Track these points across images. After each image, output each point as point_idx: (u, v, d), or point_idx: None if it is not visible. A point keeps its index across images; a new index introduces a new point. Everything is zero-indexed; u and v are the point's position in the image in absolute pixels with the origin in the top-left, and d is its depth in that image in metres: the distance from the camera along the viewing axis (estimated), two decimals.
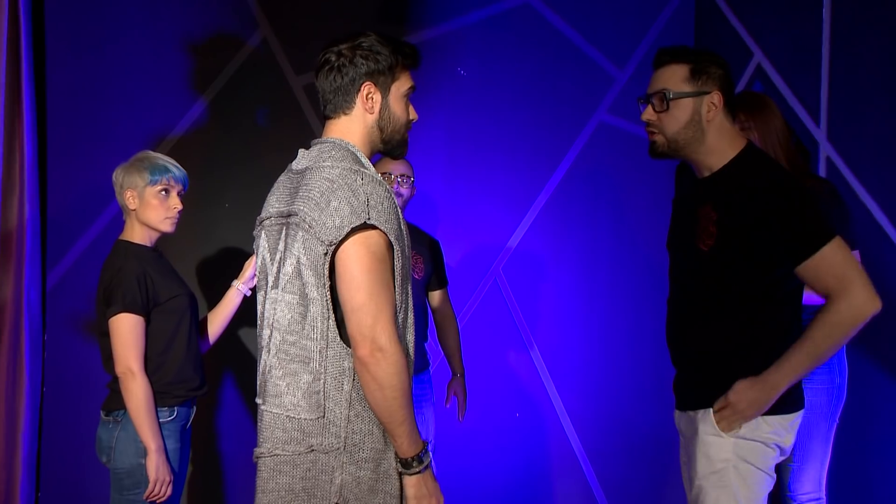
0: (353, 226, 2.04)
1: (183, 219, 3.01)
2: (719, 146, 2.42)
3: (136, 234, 2.93)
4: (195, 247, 4.11)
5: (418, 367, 3.71)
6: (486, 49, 4.44)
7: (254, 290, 3.12)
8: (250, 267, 3.09)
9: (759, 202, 2.32)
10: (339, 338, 2.11)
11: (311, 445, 2.10)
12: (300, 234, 2.11)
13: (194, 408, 2.99)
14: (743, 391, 2.37)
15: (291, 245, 2.14)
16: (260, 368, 2.23)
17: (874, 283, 2.33)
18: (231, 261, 3.87)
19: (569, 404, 4.47)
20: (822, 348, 2.33)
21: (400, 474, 2.12)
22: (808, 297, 2.81)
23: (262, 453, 2.18)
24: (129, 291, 2.80)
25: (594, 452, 4.47)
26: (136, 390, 2.79)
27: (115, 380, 2.86)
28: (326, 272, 2.08)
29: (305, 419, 2.11)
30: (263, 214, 2.28)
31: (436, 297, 3.85)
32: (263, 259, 2.25)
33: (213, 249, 4.15)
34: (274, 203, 2.25)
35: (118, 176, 2.94)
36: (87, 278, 3.61)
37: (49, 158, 3.96)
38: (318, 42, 4.23)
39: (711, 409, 2.41)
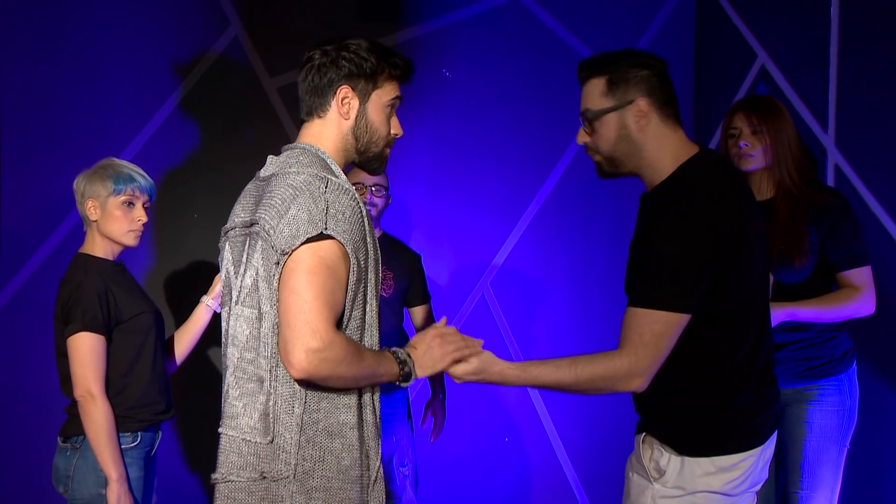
0: (308, 235, 2.02)
1: (149, 230, 2.99)
2: (659, 158, 2.34)
3: (98, 247, 2.91)
4: (162, 260, 4.08)
5: (390, 385, 3.68)
6: (473, 49, 4.45)
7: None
8: (220, 282, 3.06)
9: (650, 219, 2.31)
10: None
11: (263, 472, 2.09)
12: (259, 243, 2.10)
13: (160, 433, 2.97)
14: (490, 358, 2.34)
15: (252, 256, 2.12)
16: (224, 386, 2.22)
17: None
18: (200, 275, 3.84)
19: (561, 428, 4.45)
20: (575, 382, 2.35)
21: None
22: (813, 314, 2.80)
23: (217, 478, 2.17)
24: (90, 309, 2.78)
25: (588, 480, 4.45)
26: (97, 415, 2.77)
27: (73, 403, 2.84)
28: (276, 284, 2.05)
29: (259, 443, 2.10)
30: (228, 225, 2.26)
31: (417, 314, 3.83)
32: (228, 272, 2.23)
33: (181, 263, 4.12)
34: (239, 212, 2.24)
35: (79, 184, 2.91)
36: (43, 294, 3.58)
37: (2, 166, 3.93)
38: (293, 42, 4.28)
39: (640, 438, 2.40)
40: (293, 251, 2.02)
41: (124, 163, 2.96)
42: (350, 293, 2.09)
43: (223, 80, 4.19)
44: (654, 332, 2.22)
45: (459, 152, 4.44)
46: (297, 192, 2.06)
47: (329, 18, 4.30)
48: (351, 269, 2.07)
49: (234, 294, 2.19)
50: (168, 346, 3.05)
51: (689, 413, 2.32)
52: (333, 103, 2.20)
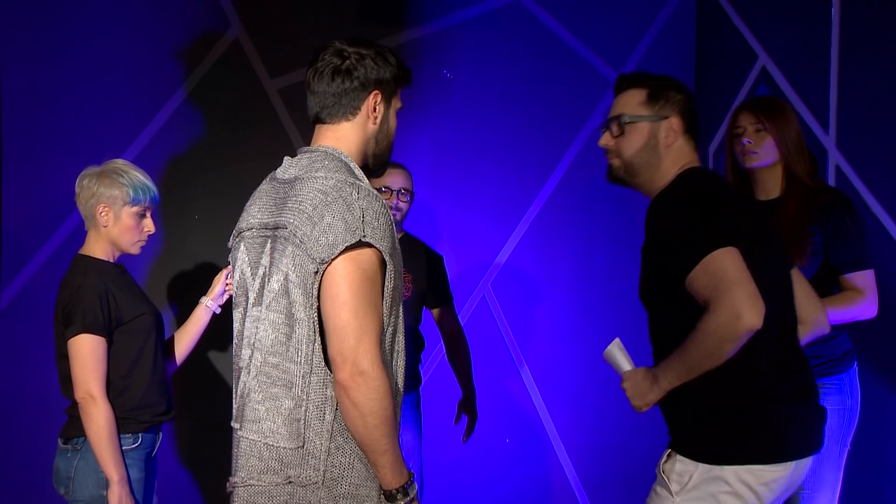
0: (347, 244, 2.03)
1: (149, 236, 2.98)
2: (671, 171, 2.48)
3: (98, 249, 2.91)
4: (163, 261, 4.09)
5: (410, 386, 3.70)
6: (474, 51, 4.45)
7: (224, 307, 3.10)
8: (220, 282, 3.08)
9: (655, 218, 2.39)
10: (323, 363, 2.08)
11: (289, 477, 2.09)
12: (290, 248, 2.09)
13: (160, 434, 2.97)
14: (633, 375, 2.43)
15: (279, 260, 2.11)
16: (238, 390, 2.22)
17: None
18: (201, 276, 3.84)
19: (562, 429, 4.45)
20: (693, 356, 2.26)
21: None
22: (835, 316, 2.79)
23: (236, 483, 2.16)
24: (90, 310, 2.78)
25: (590, 480, 4.45)
26: (97, 416, 2.77)
27: (74, 405, 2.84)
28: (316, 292, 2.05)
29: (284, 448, 2.09)
30: (243, 225, 2.25)
31: (437, 314, 3.83)
32: (242, 273, 2.22)
33: (183, 264, 4.13)
34: (256, 213, 2.22)
35: (91, 185, 2.88)
36: (45, 295, 3.58)
37: (3, 168, 3.93)
38: (294, 44, 4.28)
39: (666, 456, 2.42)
40: (332, 260, 2.03)
41: (135, 168, 2.95)
42: (388, 300, 2.11)
43: (224, 81, 4.20)
44: (725, 269, 2.20)
45: (460, 153, 4.44)
46: (330, 199, 2.06)
47: (330, 20, 4.31)
48: (388, 276, 2.10)
49: (251, 296, 2.19)
50: (168, 346, 3.06)
51: (709, 420, 2.33)
52: (364, 107, 2.21)
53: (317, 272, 2.04)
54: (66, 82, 4.02)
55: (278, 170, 2.27)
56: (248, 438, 2.15)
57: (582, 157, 4.51)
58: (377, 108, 2.22)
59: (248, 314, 2.20)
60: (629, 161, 2.51)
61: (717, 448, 2.31)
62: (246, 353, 2.19)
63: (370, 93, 2.20)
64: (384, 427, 2.04)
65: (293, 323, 2.09)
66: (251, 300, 2.19)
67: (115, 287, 2.86)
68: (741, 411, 2.30)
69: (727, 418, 2.31)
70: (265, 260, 2.16)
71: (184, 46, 4.16)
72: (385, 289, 2.09)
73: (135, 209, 2.89)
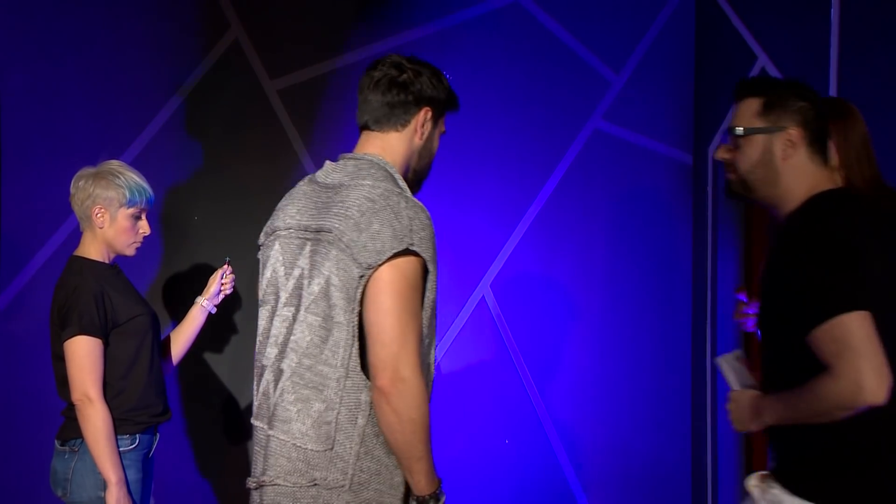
0: (394, 251, 2.06)
1: (145, 237, 2.99)
2: (793, 190, 2.29)
3: (93, 250, 2.91)
4: (162, 262, 4.09)
5: None
6: (473, 51, 4.45)
7: (220, 307, 3.11)
8: (215, 282, 3.09)
9: (785, 251, 2.22)
10: (359, 368, 2.10)
11: (315, 479, 2.10)
12: (333, 252, 2.11)
13: (157, 435, 2.97)
14: (739, 397, 2.32)
15: (321, 263, 2.13)
16: (260, 388, 2.23)
17: None
18: (200, 277, 3.84)
19: (562, 431, 4.45)
20: (804, 410, 2.13)
21: None
22: None
23: (263, 481, 2.16)
24: (86, 312, 2.78)
25: (589, 482, 4.45)
26: (94, 418, 2.77)
27: (70, 407, 2.84)
28: (359, 297, 2.08)
29: (312, 450, 2.11)
30: (279, 224, 2.27)
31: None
32: (275, 272, 2.24)
33: (182, 265, 4.13)
34: (294, 214, 2.24)
35: (86, 186, 2.88)
36: (43, 297, 3.58)
37: (2, 169, 3.93)
38: (294, 44, 4.28)
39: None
40: (378, 266, 2.06)
41: (131, 169, 2.96)
42: (427, 310, 2.15)
43: (224, 82, 4.19)
44: (853, 338, 2.05)
45: (460, 154, 4.43)
46: (378, 206, 2.10)
47: (330, 21, 4.31)
48: (429, 287, 2.14)
49: (283, 295, 2.20)
50: (164, 347, 3.06)
51: (823, 461, 2.18)
52: (413, 121, 2.27)
53: (362, 277, 2.07)
54: (64, 83, 4.02)
55: (318, 173, 2.29)
56: (278, 438, 2.15)
57: (581, 158, 4.51)
58: (426, 124, 2.29)
59: (277, 313, 2.21)
60: (744, 177, 2.32)
61: (826, 494, 2.17)
62: (272, 351, 2.20)
63: (422, 108, 2.27)
64: (421, 433, 2.06)
65: (331, 326, 2.11)
66: (282, 300, 2.20)
67: (111, 288, 2.87)
68: (862, 466, 2.15)
69: (843, 467, 2.16)
70: (303, 262, 2.18)
71: (183, 47, 4.16)
72: (426, 298, 2.13)
73: (131, 211, 2.89)
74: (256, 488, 2.20)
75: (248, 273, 4.00)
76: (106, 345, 2.83)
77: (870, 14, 3.65)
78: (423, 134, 2.29)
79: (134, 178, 2.92)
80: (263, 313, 2.26)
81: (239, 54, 4.21)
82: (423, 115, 2.28)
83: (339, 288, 2.09)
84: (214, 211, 4.16)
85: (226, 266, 3.12)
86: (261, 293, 2.28)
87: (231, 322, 4.15)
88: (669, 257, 4.60)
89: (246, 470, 4.17)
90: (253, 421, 2.25)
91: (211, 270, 3.16)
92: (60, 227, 3.93)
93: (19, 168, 3.95)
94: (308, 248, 2.17)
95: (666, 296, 4.58)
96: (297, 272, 2.18)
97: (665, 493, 4.56)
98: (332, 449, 2.09)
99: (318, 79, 4.29)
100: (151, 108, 4.11)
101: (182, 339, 3.10)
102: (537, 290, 4.48)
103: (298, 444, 2.12)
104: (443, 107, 2.31)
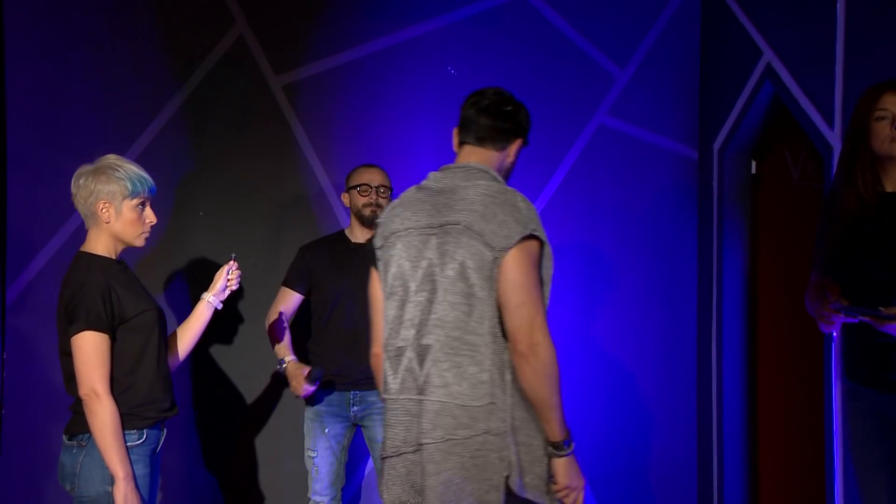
0: (521, 235, 2.48)
1: (154, 228, 3.00)
2: None
3: (100, 246, 2.91)
4: (168, 258, 4.10)
5: None
6: (478, 47, 4.45)
7: (225, 303, 3.12)
8: (221, 278, 3.09)
9: None
10: (500, 333, 2.51)
11: (484, 429, 2.48)
12: (464, 240, 2.52)
13: (164, 430, 2.98)
14: None
15: (453, 251, 2.53)
16: (401, 366, 2.57)
17: None
18: (206, 272, 3.86)
19: (569, 426, 4.46)
20: None
21: (549, 457, 2.52)
22: None
23: (432, 439, 2.49)
24: (93, 308, 2.79)
25: (596, 478, 4.46)
26: (102, 413, 2.78)
27: (78, 402, 2.84)
28: (494, 275, 2.49)
29: (475, 406, 2.48)
30: (398, 227, 2.64)
31: None
32: (400, 267, 2.61)
33: (187, 260, 4.14)
34: (410, 217, 2.63)
35: (88, 183, 2.89)
36: (49, 293, 3.58)
37: (8, 165, 3.94)
38: (299, 40, 4.29)
39: None
40: (508, 249, 2.47)
41: (129, 161, 2.96)
42: (546, 282, 2.56)
43: (228, 77, 4.19)
44: None
45: None
46: (498, 201, 2.53)
47: (334, 16, 4.30)
48: (546, 264, 2.55)
49: (412, 285, 2.58)
50: (170, 343, 3.07)
51: None
52: (510, 146, 2.70)
53: (495, 259, 2.48)
54: (69, 80, 4.02)
55: (426, 182, 2.68)
56: (438, 401, 2.50)
57: (586, 154, 4.52)
58: (516, 150, 2.72)
59: (409, 300, 2.58)
60: None
61: None
62: (408, 332, 2.57)
63: (518, 137, 2.71)
64: (555, 386, 2.49)
65: (473, 302, 2.50)
66: (412, 288, 2.58)
67: (118, 284, 2.87)
68: None
69: None
70: (430, 253, 2.56)
71: (188, 42, 4.16)
72: (544, 273, 2.55)
73: (135, 201, 2.90)
74: (414, 451, 2.52)
75: (254, 269, 4.02)
76: (113, 340, 2.83)
77: (876, 9, 3.66)
78: (511, 157, 2.71)
79: (133, 168, 2.92)
80: (392, 303, 2.62)
81: (244, 50, 4.22)
82: (517, 142, 2.71)
83: (474, 269, 2.50)
84: (220, 206, 4.17)
85: (232, 262, 3.13)
86: (387, 287, 2.64)
87: (237, 318, 4.17)
88: (675, 252, 4.61)
89: (252, 464, 4.20)
90: (394, 395, 2.58)
91: (216, 266, 3.17)
92: (66, 222, 3.94)
93: (25, 163, 3.95)
94: (434, 241, 2.56)
95: (671, 291, 4.59)
96: (424, 263, 2.57)
97: (671, 488, 4.58)
98: (491, 402, 2.48)
99: (323, 74, 4.30)
100: (156, 105, 4.11)
101: (188, 334, 3.10)
102: None
103: (460, 403, 2.48)
104: (524, 144, 2.75)
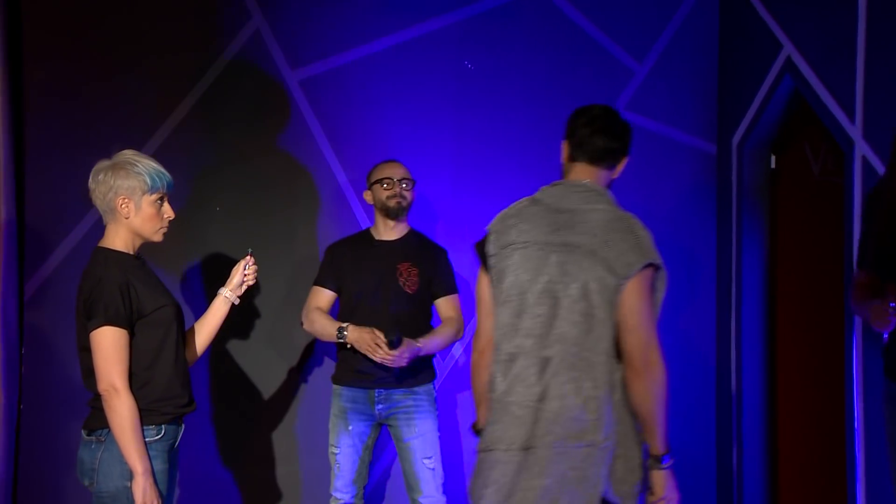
0: (642, 265, 2.63)
1: (171, 223, 3.01)
2: None
3: (119, 241, 2.92)
4: (184, 253, 4.11)
5: (415, 379, 3.75)
6: (496, 41, 4.43)
7: (242, 298, 3.13)
8: (238, 273, 3.09)
9: None
10: (614, 353, 2.65)
11: (591, 441, 2.62)
12: (586, 263, 2.65)
13: (182, 426, 2.98)
14: None
15: (575, 272, 2.66)
16: (512, 371, 2.69)
17: None
18: (222, 268, 3.87)
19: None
20: None
21: (649, 469, 2.68)
22: None
23: (543, 444, 2.63)
24: (112, 303, 2.79)
25: None
26: (121, 408, 2.78)
27: (97, 397, 2.85)
28: (615, 300, 2.63)
29: (586, 419, 2.62)
30: (516, 238, 2.76)
31: (440, 305, 3.88)
32: (517, 277, 2.73)
33: (204, 256, 4.15)
34: (529, 230, 2.75)
35: (107, 179, 2.89)
36: (67, 287, 3.60)
37: (26, 160, 3.96)
38: (315, 34, 4.29)
39: None
40: (631, 277, 2.62)
41: (146, 157, 2.96)
42: (658, 306, 2.71)
43: (245, 73, 4.20)
44: None
45: (481, 145, 4.43)
46: (620, 227, 2.68)
47: (351, 11, 4.30)
48: (659, 288, 2.71)
49: (531, 297, 2.70)
50: (188, 338, 3.08)
51: None
52: (618, 165, 2.84)
53: (617, 286, 2.62)
54: (86, 76, 4.03)
55: (541, 197, 2.81)
56: (552, 411, 2.63)
57: None
58: (622, 168, 2.85)
59: (526, 311, 2.70)
60: None
61: None
62: (526, 342, 2.69)
63: (625, 157, 2.84)
64: (663, 403, 2.65)
65: (592, 322, 2.64)
66: (531, 300, 2.70)
67: (136, 279, 2.88)
68: None
69: None
70: (550, 270, 2.69)
71: (204, 38, 4.17)
72: (657, 297, 2.70)
73: (154, 196, 2.90)
74: (519, 451, 2.65)
75: (270, 264, 4.03)
76: (131, 335, 2.84)
77: None
78: (617, 175, 2.85)
79: (151, 164, 2.93)
80: (507, 310, 2.74)
81: (260, 45, 4.22)
82: (624, 161, 2.85)
83: (597, 292, 2.64)
84: (236, 202, 4.18)
85: (248, 257, 3.13)
86: (502, 294, 2.75)
87: (254, 313, 4.18)
88: (693, 249, 4.59)
89: (270, 460, 4.20)
90: (500, 397, 2.70)
91: (233, 261, 3.17)
92: (85, 216, 3.96)
93: (43, 159, 3.97)
94: (554, 258, 2.69)
95: (689, 288, 4.57)
96: (543, 278, 2.69)
97: (690, 489, 4.55)
98: (600, 418, 2.62)
99: (339, 69, 4.29)
100: (172, 100, 4.12)
101: (205, 330, 3.10)
102: None
103: (573, 416, 2.62)
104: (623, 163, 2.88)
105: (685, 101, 4.55)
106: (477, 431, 2.88)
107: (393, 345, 3.62)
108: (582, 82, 4.48)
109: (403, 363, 3.65)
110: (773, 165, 4.45)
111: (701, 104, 4.58)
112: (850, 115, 3.77)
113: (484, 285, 2.85)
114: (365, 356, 3.67)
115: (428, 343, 3.75)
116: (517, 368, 2.70)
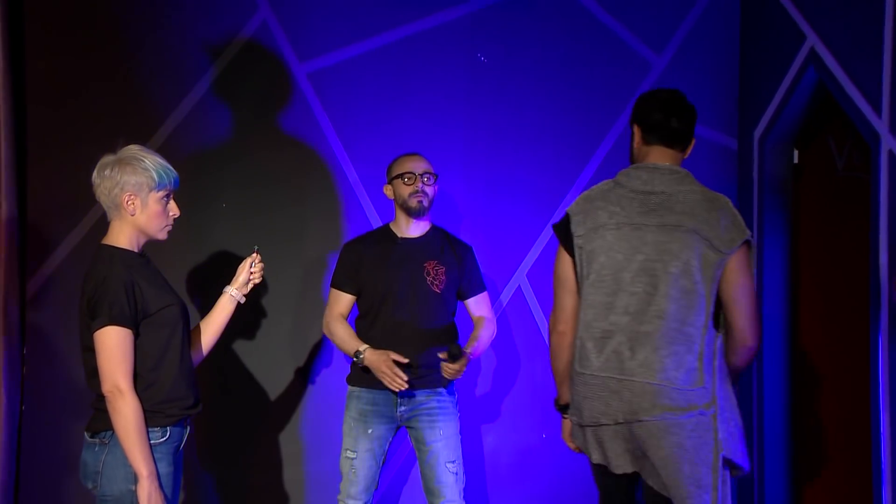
0: (742, 240, 2.83)
1: (176, 219, 2.98)
2: None
3: (123, 239, 2.89)
4: (190, 250, 4.10)
5: (436, 382, 3.67)
6: (509, 33, 4.41)
7: (248, 296, 3.08)
8: (244, 271, 3.07)
9: None
10: (712, 325, 2.84)
11: (699, 408, 2.79)
12: (688, 241, 2.83)
13: (188, 428, 2.96)
14: None
15: (677, 250, 2.83)
16: (608, 347, 2.85)
17: None
18: (229, 265, 3.83)
19: None
20: None
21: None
22: None
23: (651, 416, 2.78)
24: (116, 302, 2.77)
25: None
26: (125, 410, 2.76)
27: (100, 398, 2.83)
28: (717, 275, 2.83)
29: (688, 389, 2.79)
30: (604, 221, 2.91)
31: (471, 305, 3.85)
32: (610, 257, 2.88)
33: (210, 252, 4.13)
34: (619, 212, 2.91)
35: (113, 174, 2.86)
36: (70, 286, 3.60)
37: (28, 156, 3.94)
38: (323, 27, 4.25)
39: None
40: (734, 253, 2.82)
41: (152, 152, 2.94)
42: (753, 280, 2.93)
43: (252, 65, 4.19)
44: None
45: (495, 139, 4.40)
46: (716, 206, 2.87)
47: (360, 2, 4.29)
48: (753, 265, 2.89)
49: (627, 276, 2.86)
50: (193, 337, 3.04)
51: None
52: (689, 146, 3.02)
53: (720, 261, 2.81)
54: (91, 70, 4.03)
55: (625, 180, 2.95)
56: (656, 384, 2.79)
57: (621, 143, 4.46)
58: (690, 151, 3.02)
59: (622, 289, 2.86)
60: None
61: None
62: (621, 319, 2.84)
63: (693, 139, 3.01)
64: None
65: (693, 297, 2.81)
66: (626, 279, 2.86)
67: (141, 278, 2.85)
68: None
69: None
70: (647, 249, 2.85)
71: (211, 30, 4.16)
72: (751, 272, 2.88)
73: (160, 194, 2.88)
74: (627, 424, 2.81)
75: (277, 261, 3.99)
76: (136, 335, 2.82)
77: None
78: (686, 156, 3.00)
79: (158, 160, 2.90)
80: (600, 289, 2.88)
81: (268, 37, 4.20)
82: (692, 143, 3.01)
83: (698, 269, 2.81)
84: (242, 198, 4.15)
85: (255, 254, 3.10)
86: (592, 273, 2.89)
87: (261, 311, 4.14)
88: None
89: (276, 462, 4.17)
90: (595, 372, 2.85)
91: (239, 259, 3.14)
92: (87, 214, 3.95)
93: (46, 155, 3.96)
94: (650, 237, 2.85)
95: None
96: (640, 257, 2.85)
97: None
98: (703, 386, 2.79)
99: (348, 62, 4.28)
100: (178, 94, 4.12)
101: (211, 329, 3.08)
102: None
103: (677, 387, 2.78)
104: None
105: (705, 94, 4.50)
106: (560, 408, 3.11)
107: (455, 358, 3.58)
108: (598, 75, 4.45)
109: (460, 376, 3.65)
110: (795, 160, 4.44)
111: (722, 97, 4.55)
112: (877, 109, 3.74)
113: (567, 266, 2.98)
114: None
115: (476, 349, 3.75)
116: (613, 344, 2.84)
